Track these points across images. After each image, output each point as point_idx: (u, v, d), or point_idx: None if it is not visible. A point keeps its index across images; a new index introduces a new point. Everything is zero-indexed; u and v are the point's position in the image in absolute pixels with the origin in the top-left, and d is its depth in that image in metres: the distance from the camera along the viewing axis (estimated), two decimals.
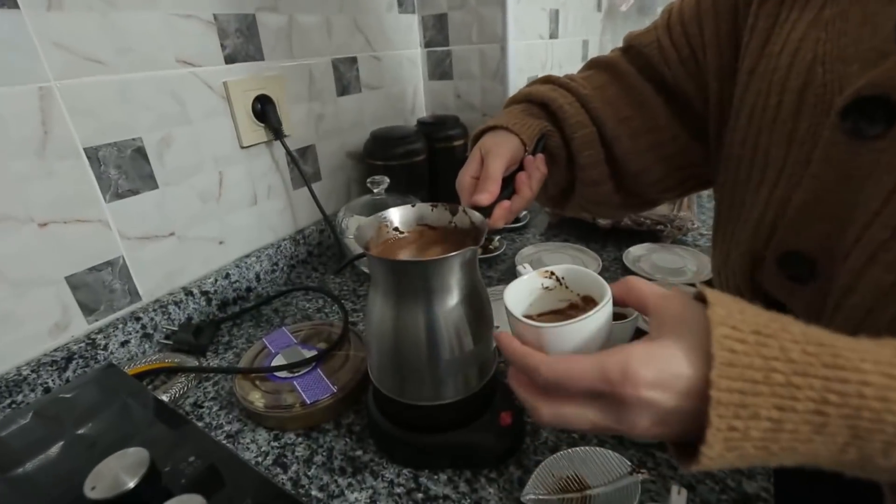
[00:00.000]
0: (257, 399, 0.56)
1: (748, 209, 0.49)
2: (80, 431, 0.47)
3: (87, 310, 0.66)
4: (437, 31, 1.16)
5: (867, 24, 0.37)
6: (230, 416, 0.59)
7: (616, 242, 0.95)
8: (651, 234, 0.94)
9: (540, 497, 0.45)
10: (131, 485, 0.35)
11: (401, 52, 1.13)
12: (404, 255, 0.49)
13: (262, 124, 0.83)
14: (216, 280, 0.80)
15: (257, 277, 0.87)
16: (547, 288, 0.40)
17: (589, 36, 1.57)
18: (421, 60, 1.21)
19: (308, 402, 0.54)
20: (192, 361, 0.67)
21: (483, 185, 0.46)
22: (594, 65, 0.60)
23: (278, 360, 0.62)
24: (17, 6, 0.54)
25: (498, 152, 0.48)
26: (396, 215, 0.50)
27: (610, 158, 0.56)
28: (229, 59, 0.77)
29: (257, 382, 0.59)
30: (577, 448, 0.48)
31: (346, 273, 0.92)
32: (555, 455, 0.47)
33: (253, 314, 0.82)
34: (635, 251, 0.89)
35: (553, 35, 1.33)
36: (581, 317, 0.33)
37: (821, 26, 0.39)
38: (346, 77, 1.00)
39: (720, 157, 0.57)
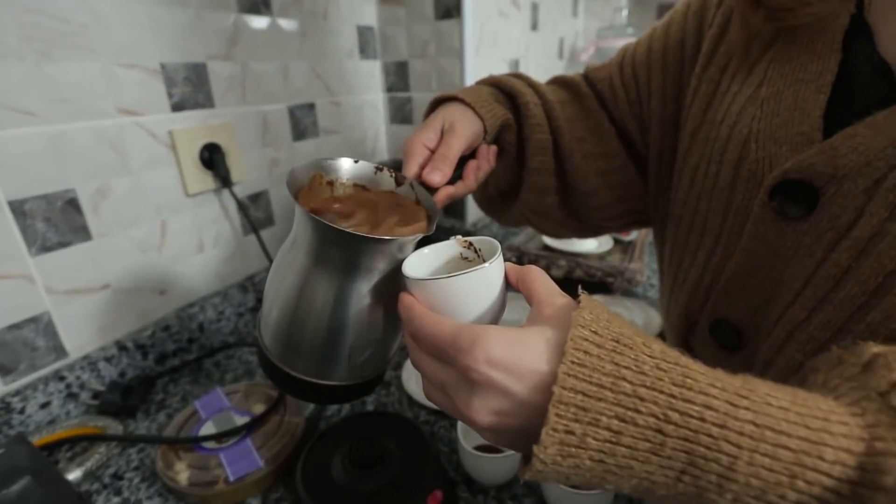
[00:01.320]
0: (180, 472, 0.53)
1: (685, 270, 0.50)
2: None
3: (3, 370, 0.62)
4: (398, 78, 1.17)
5: (797, 109, 0.38)
6: (151, 490, 0.55)
7: (568, 293, 0.95)
8: (602, 286, 0.95)
9: None
10: None
11: (362, 98, 1.14)
12: (332, 214, 0.41)
13: (210, 171, 0.81)
14: (154, 333, 0.77)
15: (200, 328, 0.84)
16: (466, 259, 0.39)
17: None
18: (382, 105, 1.22)
19: (231, 478, 0.52)
20: (116, 426, 0.63)
21: (439, 163, 0.43)
22: (557, 81, 0.61)
23: (207, 428, 0.59)
24: None
25: (462, 132, 0.45)
26: (334, 169, 0.43)
27: (560, 172, 0.56)
28: (176, 108, 0.76)
29: (181, 454, 0.56)
30: None
31: None
32: None
33: (193, 368, 0.78)
34: None
35: None
36: (461, 272, 0.32)
37: (757, 104, 0.41)
38: (302, 123, 0.99)
39: (657, 205, 0.58)
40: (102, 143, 0.67)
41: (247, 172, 0.89)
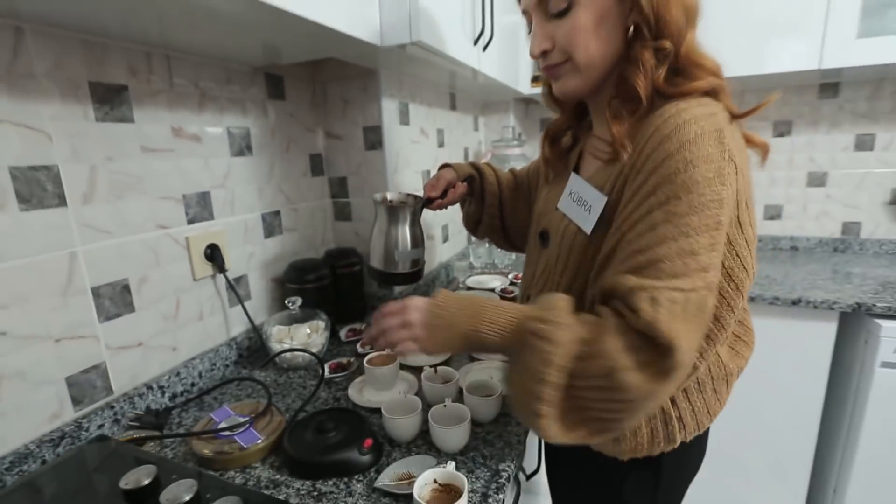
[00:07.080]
0: (208, 451, 0.86)
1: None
2: None
3: (76, 401, 0.92)
4: (339, 188, 1.61)
5: None
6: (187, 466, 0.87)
7: None
8: None
9: (385, 483, 0.78)
10: None
11: (313, 204, 1.56)
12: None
13: (210, 263, 1.18)
14: (169, 378, 1.08)
15: (200, 375, 1.16)
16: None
17: None
18: (329, 208, 1.64)
19: (244, 445, 0.85)
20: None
21: (437, 185, 1.05)
22: (511, 170, 1.17)
23: (222, 426, 0.91)
24: (65, 204, 0.89)
25: (449, 176, 1.05)
26: (390, 193, 1.06)
27: (502, 214, 1.12)
28: (190, 221, 1.14)
29: (206, 441, 0.88)
30: (411, 457, 0.83)
31: (269, 367, 1.24)
32: (396, 462, 0.82)
33: (197, 402, 1.10)
34: None
35: None
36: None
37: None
38: (271, 225, 1.39)
39: None
40: (146, 248, 1.04)
41: (233, 263, 1.26)
